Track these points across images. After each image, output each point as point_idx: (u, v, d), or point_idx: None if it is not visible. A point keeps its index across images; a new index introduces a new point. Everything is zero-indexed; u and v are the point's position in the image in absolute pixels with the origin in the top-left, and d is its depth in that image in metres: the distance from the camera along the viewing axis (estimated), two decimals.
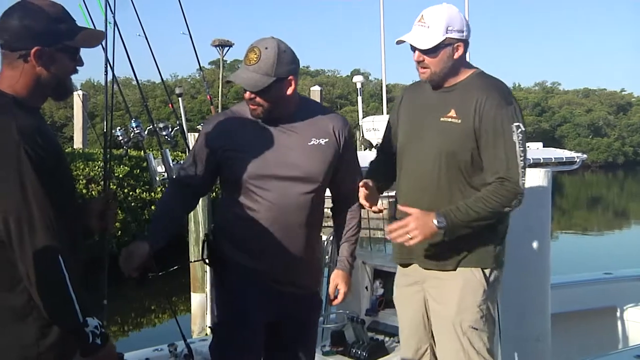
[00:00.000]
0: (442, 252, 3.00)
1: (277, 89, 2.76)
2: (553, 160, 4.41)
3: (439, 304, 3.07)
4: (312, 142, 2.87)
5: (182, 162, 3.05)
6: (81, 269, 2.25)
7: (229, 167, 2.87)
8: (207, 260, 3.07)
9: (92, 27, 3.27)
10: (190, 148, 3.16)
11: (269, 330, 2.96)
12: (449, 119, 2.95)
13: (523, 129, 2.89)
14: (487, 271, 3.02)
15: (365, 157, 3.29)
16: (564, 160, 4.46)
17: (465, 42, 2.98)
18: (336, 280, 3.02)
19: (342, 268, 3.05)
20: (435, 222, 2.82)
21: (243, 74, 2.77)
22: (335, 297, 3.01)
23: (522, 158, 2.86)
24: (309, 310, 3.10)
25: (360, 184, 2.95)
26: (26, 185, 1.97)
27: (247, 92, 2.78)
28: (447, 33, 2.90)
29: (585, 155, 4.61)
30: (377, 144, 4.64)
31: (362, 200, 2.99)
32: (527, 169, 2.93)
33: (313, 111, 2.96)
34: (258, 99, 2.78)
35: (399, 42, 3.00)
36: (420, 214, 2.85)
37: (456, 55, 2.96)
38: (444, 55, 2.94)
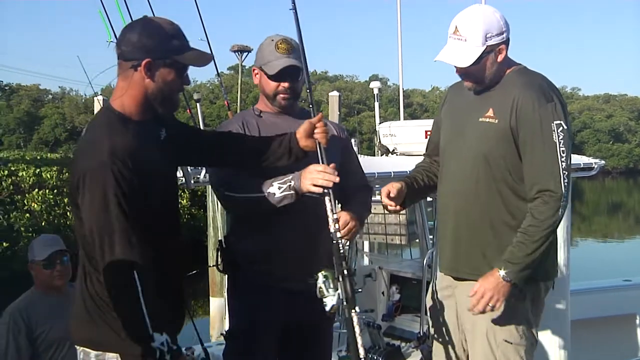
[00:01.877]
0: (476, 266, 2.85)
1: None
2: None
3: (470, 316, 2.88)
4: None
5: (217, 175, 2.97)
6: (171, 282, 2.40)
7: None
8: (220, 267, 3.07)
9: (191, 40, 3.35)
10: None
11: (284, 337, 2.96)
12: (487, 119, 2.80)
13: (565, 127, 2.70)
14: (530, 290, 2.86)
15: (382, 163, 3.27)
16: (582, 166, 4.42)
17: (507, 42, 2.80)
18: (345, 217, 2.80)
19: (349, 210, 2.88)
20: (502, 279, 2.68)
21: None
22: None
23: (563, 159, 2.69)
24: (323, 314, 3.08)
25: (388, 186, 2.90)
26: (109, 203, 2.14)
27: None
28: (486, 42, 2.72)
29: (603, 162, 4.56)
30: (394, 149, 4.64)
31: (384, 199, 2.92)
32: None
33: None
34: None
35: (437, 61, 2.82)
36: (486, 281, 2.70)
37: (500, 59, 2.78)
38: (487, 63, 2.76)
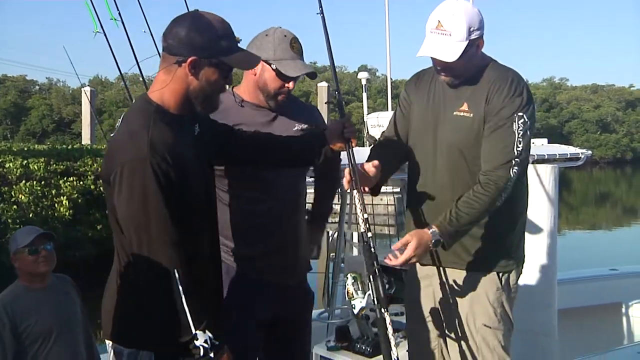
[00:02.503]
0: (454, 255, 2.92)
1: None
2: (558, 157, 4.41)
3: (449, 303, 3.01)
4: (296, 127, 2.92)
5: None
6: (209, 279, 2.40)
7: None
8: None
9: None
10: None
11: (268, 331, 2.95)
12: (462, 113, 2.85)
13: (527, 120, 2.75)
14: (501, 275, 2.95)
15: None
16: (569, 156, 4.46)
17: (482, 35, 2.83)
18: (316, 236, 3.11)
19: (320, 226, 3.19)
20: (431, 241, 2.69)
21: None
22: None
23: (519, 149, 2.73)
24: (304, 308, 3.10)
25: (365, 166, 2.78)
26: (149, 197, 2.11)
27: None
28: (469, 36, 2.75)
29: (590, 152, 4.61)
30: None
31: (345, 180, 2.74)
32: (535, 165, 2.87)
33: (292, 100, 2.98)
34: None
35: (421, 55, 2.83)
36: (416, 234, 2.69)
37: (478, 52, 2.84)
38: (467, 57, 2.78)
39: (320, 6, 2.75)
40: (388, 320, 2.49)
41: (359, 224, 2.69)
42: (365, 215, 2.60)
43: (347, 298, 2.59)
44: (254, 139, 2.70)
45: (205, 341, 2.16)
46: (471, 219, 2.75)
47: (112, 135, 2.31)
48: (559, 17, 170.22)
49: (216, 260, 2.52)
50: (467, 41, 2.74)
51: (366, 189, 2.82)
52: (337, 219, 3.32)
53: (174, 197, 2.16)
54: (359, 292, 2.56)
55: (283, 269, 2.91)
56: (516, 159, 2.74)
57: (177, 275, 2.12)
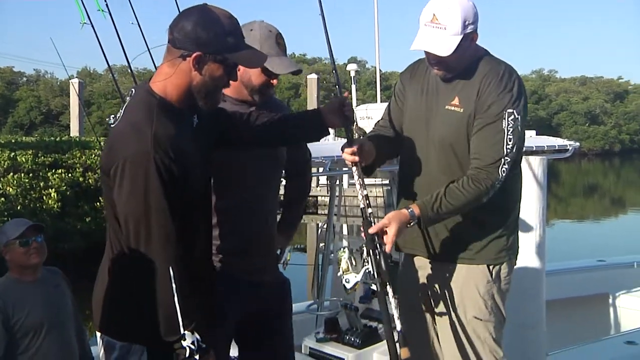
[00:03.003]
0: (446, 246, 2.93)
1: None
2: (546, 149, 4.43)
3: (440, 295, 2.99)
4: None
5: None
6: (205, 275, 2.39)
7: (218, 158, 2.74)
8: None
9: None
10: None
11: (241, 328, 2.90)
12: (453, 107, 2.83)
13: (517, 116, 2.73)
14: (492, 267, 2.93)
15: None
16: (557, 148, 4.48)
17: (477, 28, 2.80)
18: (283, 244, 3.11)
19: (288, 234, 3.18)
20: (409, 223, 2.69)
21: None
22: None
23: (509, 147, 2.72)
24: (284, 300, 3.07)
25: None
26: (150, 192, 2.10)
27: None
28: (465, 29, 2.70)
29: (577, 144, 4.64)
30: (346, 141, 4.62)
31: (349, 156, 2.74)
32: (524, 156, 2.86)
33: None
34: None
35: (415, 49, 2.78)
36: (394, 218, 2.66)
37: (472, 45, 2.80)
38: (462, 50, 2.73)
39: (321, 7, 2.76)
40: (391, 294, 2.50)
41: (359, 199, 2.70)
42: (365, 192, 2.61)
43: (341, 272, 2.57)
44: (255, 120, 2.66)
45: (193, 343, 2.14)
46: (453, 210, 2.75)
47: (112, 124, 2.27)
48: (548, 9, 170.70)
49: (210, 256, 2.51)
50: (462, 35, 2.70)
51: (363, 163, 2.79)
52: (323, 210, 3.31)
53: (175, 192, 2.14)
54: (353, 267, 2.56)
55: (256, 266, 2.88)
56: (506, 158, 2.72)
57: (171, 272, 2.10)
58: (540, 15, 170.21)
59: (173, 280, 2.09)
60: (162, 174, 2.10)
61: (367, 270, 2.56)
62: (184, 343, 2.13)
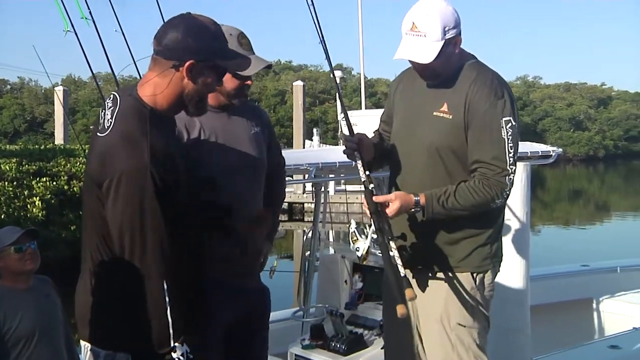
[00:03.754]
0: (430, 255, 2.95)
1: None
2: (529, 154, 4.46)
3: (424, 303, 3.00)
4: (252, 131, 2.92)
5: None
6: (193, 280, 2.37)
7: (197, 168, 2.72)
8: None
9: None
10: None
11: (227, 331, 2.91)
12: (441, 114, 2.84)
13: (514, 123, 2.76)
14: (476, 275, 2.95)
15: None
16: (540, 154, 4.51)
17: (460, 32, 2.82)
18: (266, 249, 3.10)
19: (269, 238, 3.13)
20: (413, 208, 2.77)
21: None
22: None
23: (511, 154, 2.75)
24: (265, 305, 3.10)
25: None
26: (146, 207, 2.09)
27: None
28: (445, 35, 2.73)
29: (560, 150, 4.67)
30: (343, 135, 4.66)
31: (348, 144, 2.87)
32: None
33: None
34: None
35: (398, 58, 2.82)
36: (400, 197, 2.76)
37: (456, 50, 2.82)
38: (446, 56, 2.77)
39: (321, 36, 2.91)
40: (394, 245, 2.62)
41: (361, 177, 2.81)
42: (367, 172, 2.75)
43: (351, 243, 2.61)
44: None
45: (182, 354, 2.17)
46: (459, 209, 2.77)
47: (99, 133, 2.21)
48: (532, 16, 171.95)
49: (199, 259, 2.50)
50: (443, 41, 2.73)
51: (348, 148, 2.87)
52: (309, 217, 3.33)
53: (169, 201, 2.15)
54: (362, 236, 2.65)
55: (242, 271, 2.91)
56: (511, 167, 2.76)
57: (165, 286, 2.11)
58: (524, 21, 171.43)
59: (167, 295, 2.11)
60: (158, 187, 2.10)
61: (372, 237, 2.73)
62: (175, 355, 2.16)
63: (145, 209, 2.09)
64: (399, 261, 2.62)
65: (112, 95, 2.28)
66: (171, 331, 2.13)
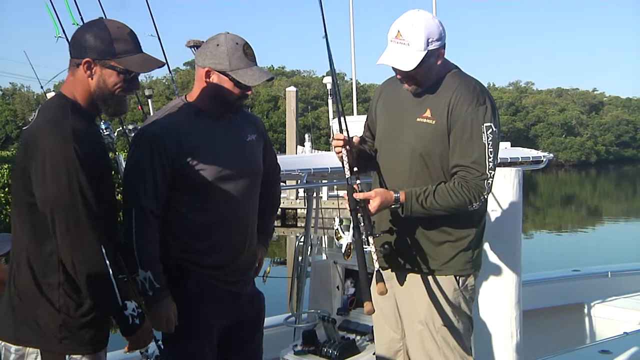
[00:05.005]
0: (415, 258, 2.99)
1: None
2: (520, 160, 4.48)
3: (409, 306, 3.06)
4: (249, 138, 2.94)
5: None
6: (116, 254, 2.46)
7: (189, 173, 2.73)
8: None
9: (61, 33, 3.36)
10: None
11: (222, 337, 2.92)
12: (425, 120, 2.90)
13: (495, 129, 2.82)
14: (459, 277, 2.99)
15: (335, 158, 3.29)
16: (531, 159, 4.53)
17: (444, 46, 2.90)
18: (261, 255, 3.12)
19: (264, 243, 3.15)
20: (392, 204, 2.84)
21: None
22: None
23: (491, 159, 2.81)
24: (260, 310, 3.12)
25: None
26: (73, 181, 2.18)
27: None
28: (428, 46, 2.80)
29: (551, 155, 4.70)
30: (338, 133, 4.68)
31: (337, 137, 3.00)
32: (499, 168, 2.94)
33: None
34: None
35: (381, 64, 2.88)
36: (380, 194, 2.84)
37: (438, 62, 2.89)
38: (428, 66, 2.85)
39: (325, 31, 2.92)
40: (372, 241, 2.73)
41: (345, 168, 2.92)
42: (352, 170, 2.89)
43: (335, 240, 2.65)
44: None
45: (133, 309, 2.33)
46: (437, 209, 2.84)
47: (26, 126, 2.37)
48: (524, 22, 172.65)
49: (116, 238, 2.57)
50: (426, 51, 2.80)
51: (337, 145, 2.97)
52: (302, 223, 3.34)
53: (97, 180, 2.25)
54: (345, 232, 2.71)
55: (238, 278, 2.92)
56: (490, 171, 2.83)
57: (104, 252, 2.22)
58: (516, 27, 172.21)
59: (106, 257, 2.22)
60: (83, 162, 2.19)
61: (353, 229, 2.79)
62: (126, 312, 2.30)
63: (72, 181, 2.17)
64: (374, 256, 2.71)
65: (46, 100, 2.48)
66: (117, 292, 2.25)
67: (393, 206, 2.85)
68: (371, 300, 2.65)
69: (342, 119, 3.02)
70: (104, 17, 2.50)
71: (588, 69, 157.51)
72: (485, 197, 2.86)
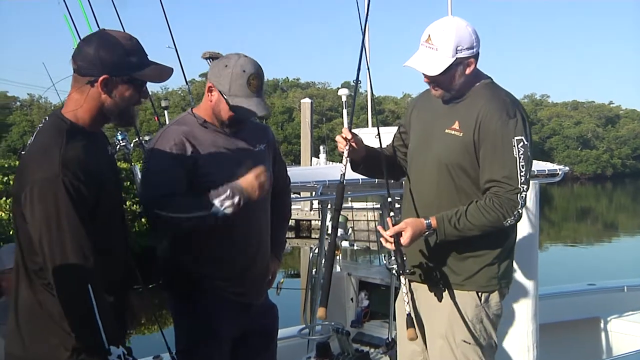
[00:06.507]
0: (437, 272, 2.98)
1: None
2: (536, 173, 4.46)
3: (431, 319, 3.05)
4: (257, 148, 2.95)
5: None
6: (119, 291, 2.39)
7: (199, 183, 2.76)
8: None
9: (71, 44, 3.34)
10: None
11: (235, 346, 2.95)
12: (453, 132, 2.89)
13: (526, 142, 2.78)
14: (481, 294, 2.96)
15: (350, 170, 3.30)
16: (547, 172, 4.52)
17: (477, 56, 2.87)
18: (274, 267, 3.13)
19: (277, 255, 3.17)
20: (425, 233, 2.82)
21: None
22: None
23: (523, 173, 2.77)
24: (273, 321, 3.14)
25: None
26: (61, 214, 2.11)
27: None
28: (457, 53, 2.79)
29: (567, 168, 4.68)
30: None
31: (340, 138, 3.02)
32: None
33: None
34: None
35: (407, 66, 2.88)
36: (411, 224, 2.81)
37: (468, 71, 2.86)
38: (456, 74, 2.84)
39: (358, 77, 3.17)
40: (403, 281, 2.82)
41: (343, 162, 2.97)
42: (344, 169, 2.96)
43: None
44: None
45: (119, 356, 2.17)
46: (472, 229, 2.80)
47: (23, 151, 2.31)
48: (540, 34, 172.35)
49: (128, 280, 2.52)
50: (454, 58, 2.79)
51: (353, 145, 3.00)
52: (315, 235, 3.35)
53: (87, 212, 2.16)
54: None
55: (249, 290, 2.94)
56: (523, 185, 2.78)
57: (90, 290, 2.12)
58: (532, 40, 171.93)
59: (93, 297, 2.11)
60: (72, 196, 2.12)
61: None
62: (110, 358, 2.15)
63: (60, 215, 2.10)
64: (406, 298, 2.70)
65: (45, 118, 2.35)
66: (102, 335, 2.12)
67: (427, 233, 2.82)
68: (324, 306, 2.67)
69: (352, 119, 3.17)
70: (104, 28, 2.40)
71: (604, 82, 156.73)
72: (520, 211, 2.81)
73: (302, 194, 5.14)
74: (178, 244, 2.86)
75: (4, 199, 12.88)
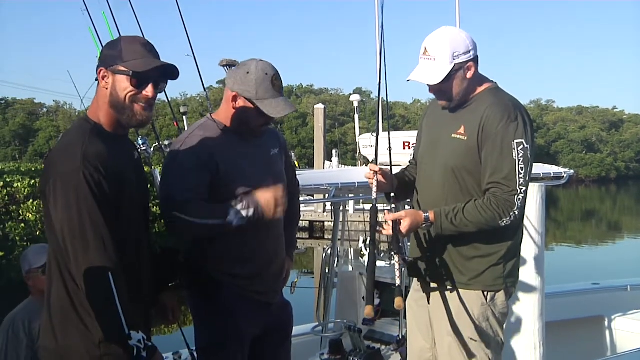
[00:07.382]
0: (444, 271, 3.03)
1: None
2: (542, 175, 4.54)
3: (439, 317, 3.09)
4: (272, 152, 3.04)
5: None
6: (140, 284, 2.46)
7: (226, 186, 2.82)
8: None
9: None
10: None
11: (253, 343, 3.02)
12: (458, 136, 2.95)
13: (526, 145, 2.82)
14: (487, 293, 3.01)
15: (362, 173, 3.41)
16: (552, 175, 4.59)
17: (475, 59, 2.94)
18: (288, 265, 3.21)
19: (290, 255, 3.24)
20: (422, 225, 2.89)
21: None
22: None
23: (521, 175, 2.82)
24: (289, 318, 3.22)
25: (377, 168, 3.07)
26: (82, 205, 2.19)
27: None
28: (454, 60, 2.86)
29: (572, 171, 4.73)
30: (372, 160, 4.79)
31: (369, 173, 3.07)
32: None
33: None
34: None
35: (409, 80, 2.96)
36: (410, 215, 2.89)
37: (469, 75, 2.92)
38: (457, 80, 2.91)
39: (379, 89, 3.21)
40: (396, 259, 2.77)
41: (373, 191, 3.01)
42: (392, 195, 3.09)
43: (359, 258, 2.74)
44: None
45: (139, 341, 2.23)
46: (467, 226, 2.87)
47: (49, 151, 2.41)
48: (545, 41, 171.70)
49: (146, 275, 2.55)
50: (452, 64, 2.88)
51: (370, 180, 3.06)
52: (328, 235, 3.45)
53: (109, 207, 2.24)
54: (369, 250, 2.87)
55: (268, 289, 3.03)
56: (520, 187, 2.83)
57: (111, 279, 2.19)
58: (537, 45, 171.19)
59: (113, 284, 2.19)
60: (92, 188, 2.19)
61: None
62: (131, 342, 2.22)
63: (81, 206, 2.18)
64: (397, 272, 2.73)
65: (73, 121, 2.50)
66: (123, 319, 2.19)
67: (424, 225, 2.90)
68: (372, 304, 2.67)
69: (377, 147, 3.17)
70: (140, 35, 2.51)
71: (607, 88, 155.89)
72: (516, 213, 2.85)
73: (316, 196, 5.23)
74: (203, 243, 2.92)
75: (32, 201, 13.00)
